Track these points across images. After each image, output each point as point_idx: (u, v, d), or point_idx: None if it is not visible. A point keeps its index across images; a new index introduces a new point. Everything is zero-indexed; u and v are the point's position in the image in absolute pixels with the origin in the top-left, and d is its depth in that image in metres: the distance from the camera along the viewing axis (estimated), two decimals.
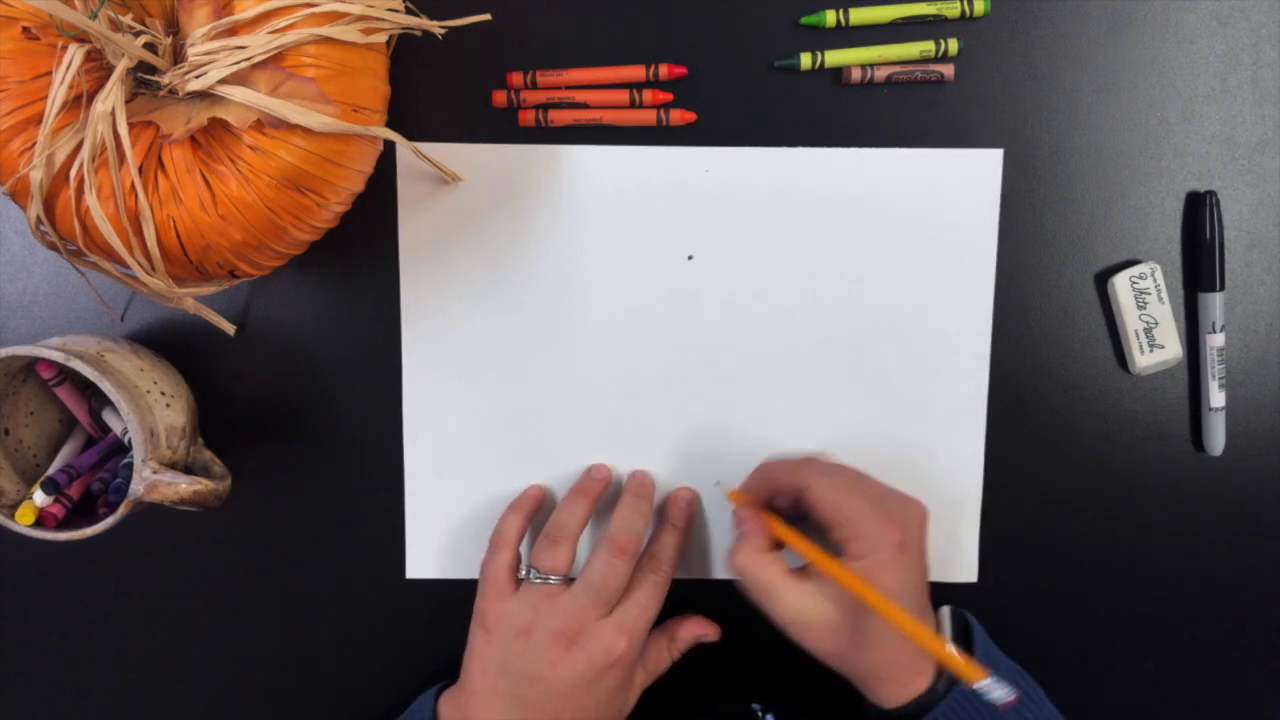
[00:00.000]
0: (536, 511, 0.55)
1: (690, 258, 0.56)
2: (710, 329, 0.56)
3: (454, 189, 0.55)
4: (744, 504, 0.53)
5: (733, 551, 0.51)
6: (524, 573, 0.53)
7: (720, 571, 0.58)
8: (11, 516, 0.49)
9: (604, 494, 0.55)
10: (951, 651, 0.46)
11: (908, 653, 0.49)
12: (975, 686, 0.45)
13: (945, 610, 0.52)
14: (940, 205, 0.55)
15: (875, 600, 0.47)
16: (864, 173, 0.55)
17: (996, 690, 0.44)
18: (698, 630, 0.56)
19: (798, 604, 0.49)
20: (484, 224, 0.55)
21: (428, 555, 0.58)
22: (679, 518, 0.55)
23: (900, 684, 0.49)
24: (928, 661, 0.49)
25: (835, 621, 0.48)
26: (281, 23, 0.42)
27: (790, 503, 0.52)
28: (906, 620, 0.46)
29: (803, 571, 0.50)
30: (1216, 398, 0.56)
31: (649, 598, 0.52)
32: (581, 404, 0.57)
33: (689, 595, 0.58)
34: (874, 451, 0.57)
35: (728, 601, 0.58)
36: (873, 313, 0.56)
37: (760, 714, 0.55)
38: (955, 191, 0.55)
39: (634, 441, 0.57)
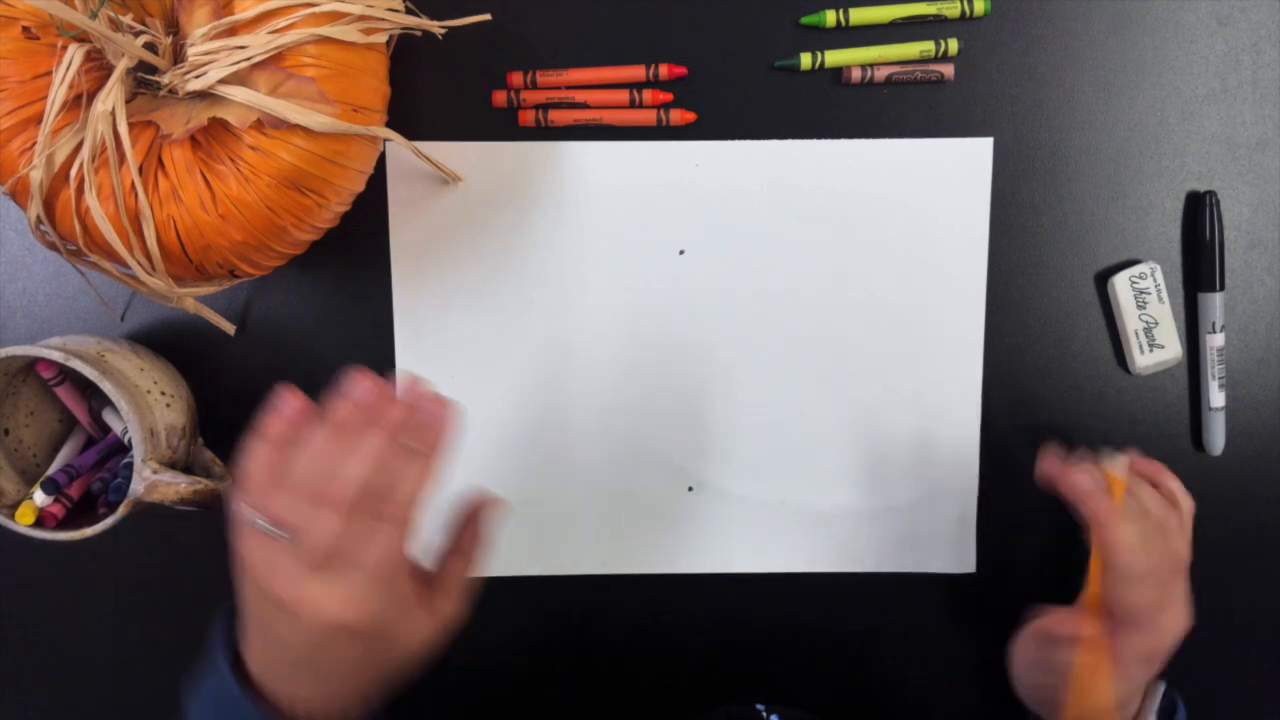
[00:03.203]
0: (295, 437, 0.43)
1: (682, 252, 0.56)
2: (702, 324, 0.56)
3: (444, 188, 0.55)
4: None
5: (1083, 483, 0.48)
6: (251, 515, 0.42)
7: (681, 567, 0.58)
8: (11, 516, 0.49)
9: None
10: None
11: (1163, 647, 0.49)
12: None
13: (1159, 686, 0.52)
14: (932, 195, 0.55)
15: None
16: (855, 164, 0.55)
17: None
18: (481, 518, 0.47)
19: (1129, 538, 0.47)
20: (475, 223, 0.55)
21: (424, 556, 0.58)
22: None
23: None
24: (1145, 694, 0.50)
25: (1153, 572, 0.47)
26: (281, 23, 0.42)
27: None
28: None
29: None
30: (1216, 398, 0.56)
31: (379, 550, 0.41)
32: (575, 402, 0.57)
33: (676, 591, 0.58)
34: (870, 444, 0.57)
35: (720, 601, 0.58)
36: (866, 304, 0.56)
37: (765, 714, 0.55)
38: (946, 181, 0.55)
39: (627, 437, 0.57)
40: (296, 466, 0.42)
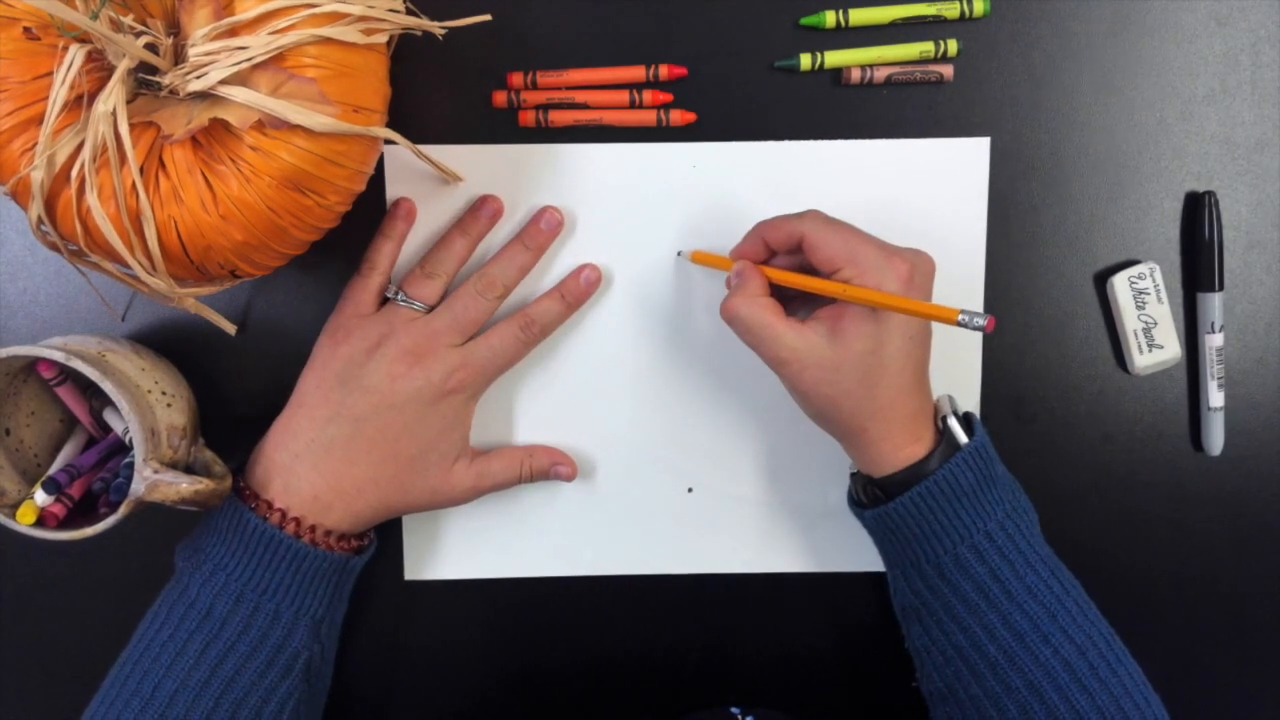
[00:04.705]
0: (406, 234, 0.54)
1: (680, 253, 0.56)
2: (702, 325, 0.56)
3: (444, 189, 0.55)
4: (739, 259, 0.51)
5: (726, 300, 0.50)
6: (391, 293, 0.53)
7: (682, 567, 0.58)
8: (12, 516, 0.49)
9: (488, 231, 0.54)
10: (954, 311, 0.44)
11: (911, 406, 0.48)
12: (958, 321, 0.44)
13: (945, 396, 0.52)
14: (929, 194, 0.55)
15: (888, 298, 0.46)
16: (854, 165, 0.55)
17: (975, 320, 0.43)
18: (556, 458, 0.56)
19: (795, 342, 0.48)
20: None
21: (426, 557, 0.58)
22: (571, 291, 0.54)
23: (897, 444, 0.48)
24: (926, 426, 0.49)
25: (834, 361, 0.47)
26: (282, 23, 0.43)
27: (786, 265, 0.51)
28: (922, 305, 0.45)
29: (800, 319, 0.49)
30: (1215, 398, 0.56)
31: (505, 345, 0.53)
32: (574, 402, 0.57)
33: (660, 592, 0.58)
34: None
35: (701, 601, 0.58)
36: None
37: (740, 717, 0.55)
38: (944, 180, 0.55)
39: (626, 437, 0.57)
40: (439, 258, 0.53)
